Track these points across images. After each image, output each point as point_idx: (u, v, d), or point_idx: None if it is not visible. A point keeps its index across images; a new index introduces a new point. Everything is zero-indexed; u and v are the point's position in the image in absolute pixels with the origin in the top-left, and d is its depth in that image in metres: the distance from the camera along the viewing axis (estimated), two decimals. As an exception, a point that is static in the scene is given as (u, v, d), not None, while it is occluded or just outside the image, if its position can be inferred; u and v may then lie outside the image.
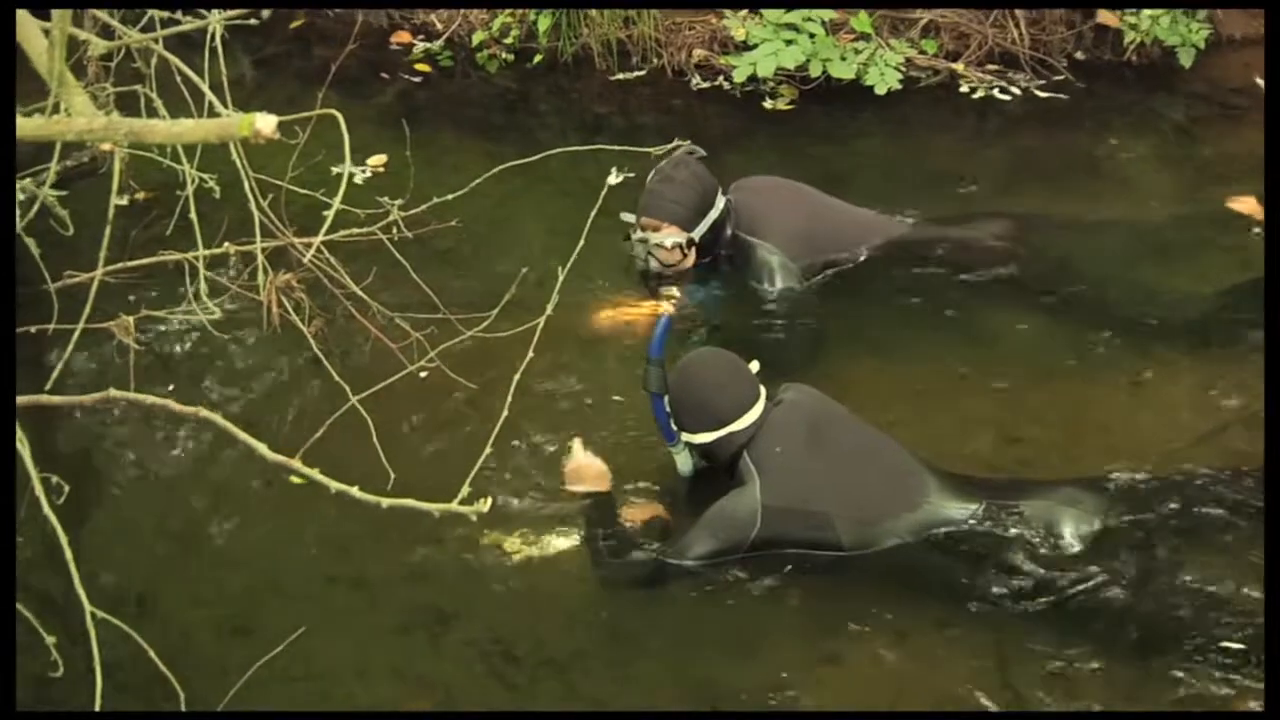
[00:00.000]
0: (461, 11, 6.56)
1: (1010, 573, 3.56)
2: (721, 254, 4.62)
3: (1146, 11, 5.80)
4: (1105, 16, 5.97)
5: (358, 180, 5.41)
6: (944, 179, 5.38)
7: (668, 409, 3.72)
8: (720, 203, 4.54)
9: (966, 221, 4.84)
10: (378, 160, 5.56)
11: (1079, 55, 6.08)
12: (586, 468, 3.88)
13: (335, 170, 5.43)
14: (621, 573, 3.65)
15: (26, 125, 2.17)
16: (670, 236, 4.49)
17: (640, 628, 3.60)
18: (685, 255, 4.53)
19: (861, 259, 4.68)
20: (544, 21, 6.24)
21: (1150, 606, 3.46)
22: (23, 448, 2.43)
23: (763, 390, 3.71)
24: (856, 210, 4.78)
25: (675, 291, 4.60)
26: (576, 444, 3.92)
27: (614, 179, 5.27)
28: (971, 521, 3.63)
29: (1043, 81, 5.96)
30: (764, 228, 4.57)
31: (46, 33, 2.47)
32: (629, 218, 4.55)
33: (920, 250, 4.70)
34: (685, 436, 3.73)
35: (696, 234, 4.49)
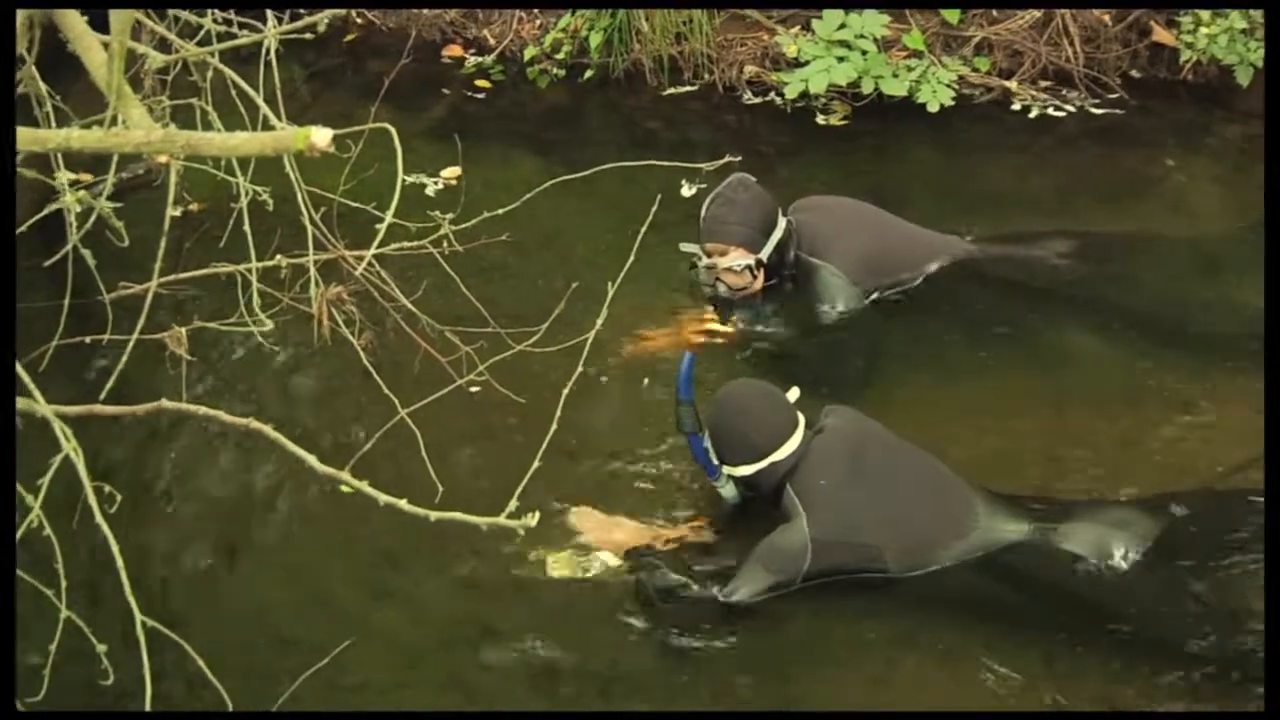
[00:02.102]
0: (514, 26, 6.59)
1: (1059, 596, 3.53)
2: (785, 275, 4.56)
3: (1203, 30, 5.74)
4: (1161, 35, 5.92)
5: (429, 192, 5.42)
6: (996, 197, 5.35)
7: (705, 444, 3.70)
8: (782, 223, 4.49)
9: (1029, 240, 4.78)
10: (451, 172, 5.57)
11: (1134, 73, 6.03)
12: (614, 527, 3.83)
13: (409, 180, 5.47)
14: (677, 610, 3.63)
15: (86, 137, 2.19)
16: (738, 259, 4.43)
17: (684, 646, 3.58)
18: (754, 277, 4.48)
19: (923, 279, 4.63)
20: (595, 37, 6.25)
21: (1201, 631, 3.42)
22: (76, 457, 2.44)
23: (801, 418, 3.69)
24: (919, 230, 4.72)
25: (716, 319, 4.57)
26: (577, 514, 3.87)
27: (687, 191, 5.27)
28: (1021, 544, 3.60)
29: (1097, 100, 5.91)
30: (827, 249, 4.51)
31: (105, 46, 2.49)
32: (690, 248, 4.51)
33: (982, 269, 4.64)
34: (726, 469, 3.71)
35: (764, 254, 4.44)
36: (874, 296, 4.57)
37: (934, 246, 4.67)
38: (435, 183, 5.51)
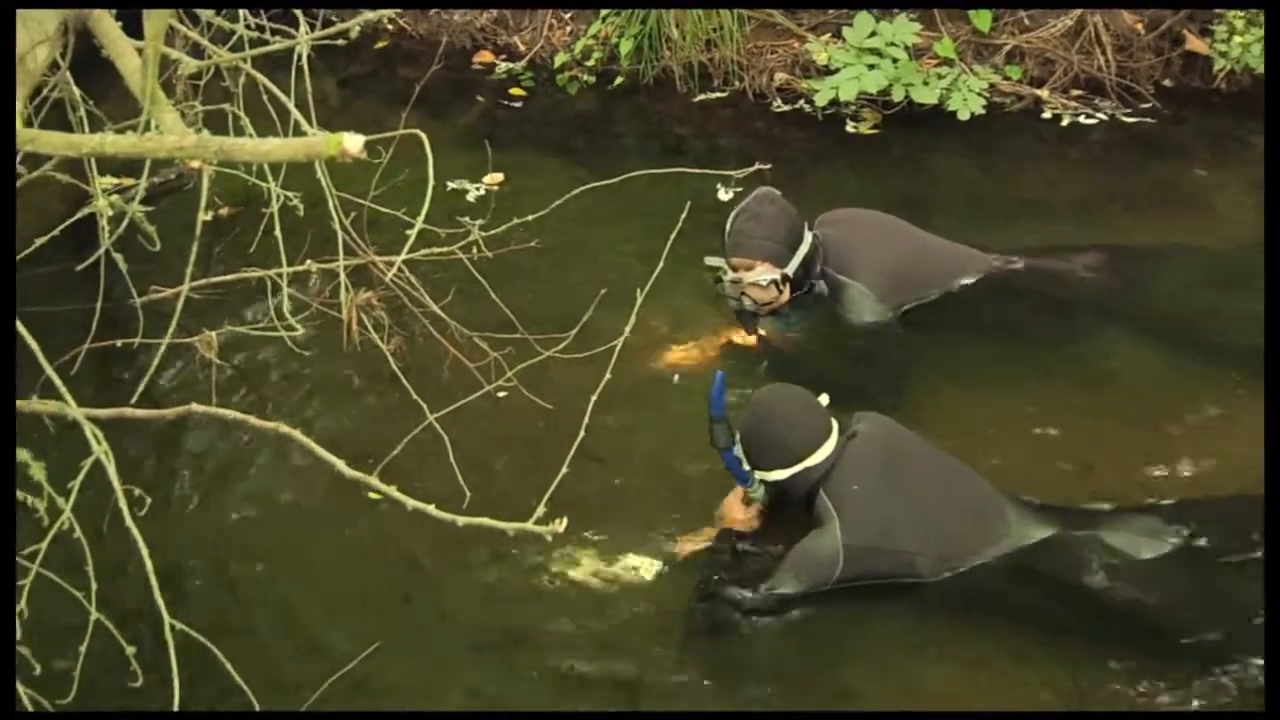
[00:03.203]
0: (544, 33, 6.61)
1: (1089, 603, 3.52)
2: (813, 288, 4.52)
3: (1237, 39, 5.71)
4: (1194, 44, 5.89)
5: (470, 198, 5.42)
6: (1027, 206, 5.33)
7: (738, 455, 3.68)
8: (809, 237, 4.44)
9: (1056, 254, 4.73)
10: (493, 178, 5.56)
11: (1167, 83, 6.00)
12: (740, 509, 3.81)
13: (451, 186, 5.49)
14: (706, 615, 3.62)
15: (120, 142, 2.20)
16: (765, 274, 4.38)
17: (712, 653, 3.58)
18: (780, 292, 4.45)
19: (950, 294, 4.58)
20: (626, 44, 6.26)
21: (1229, 639, 3.40)
22: (107, 460, 2.45)
23: (835, 424, 3.68)
24: (946, 244, 4.68)
25: (743, 334, 4.55)
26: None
27: (724, 195, 5.26)
28: (1051, 551, 3.58)
29: (1129, 109, 5.88)
30: (854, 266, 4.47)
31: (139, 51, 2.50)
32: (715, 261, 4.48)
33: (1009, 283, 4.61)
34: (759, 475, 3.69)
35: (790, 269, 4.40)
36: (902, 311, 4.53)
37: (960, 260, 4.64)
38: (477, 188, 5.50)
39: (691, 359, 4.51)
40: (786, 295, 4.47)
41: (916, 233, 4.68)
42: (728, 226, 4.44)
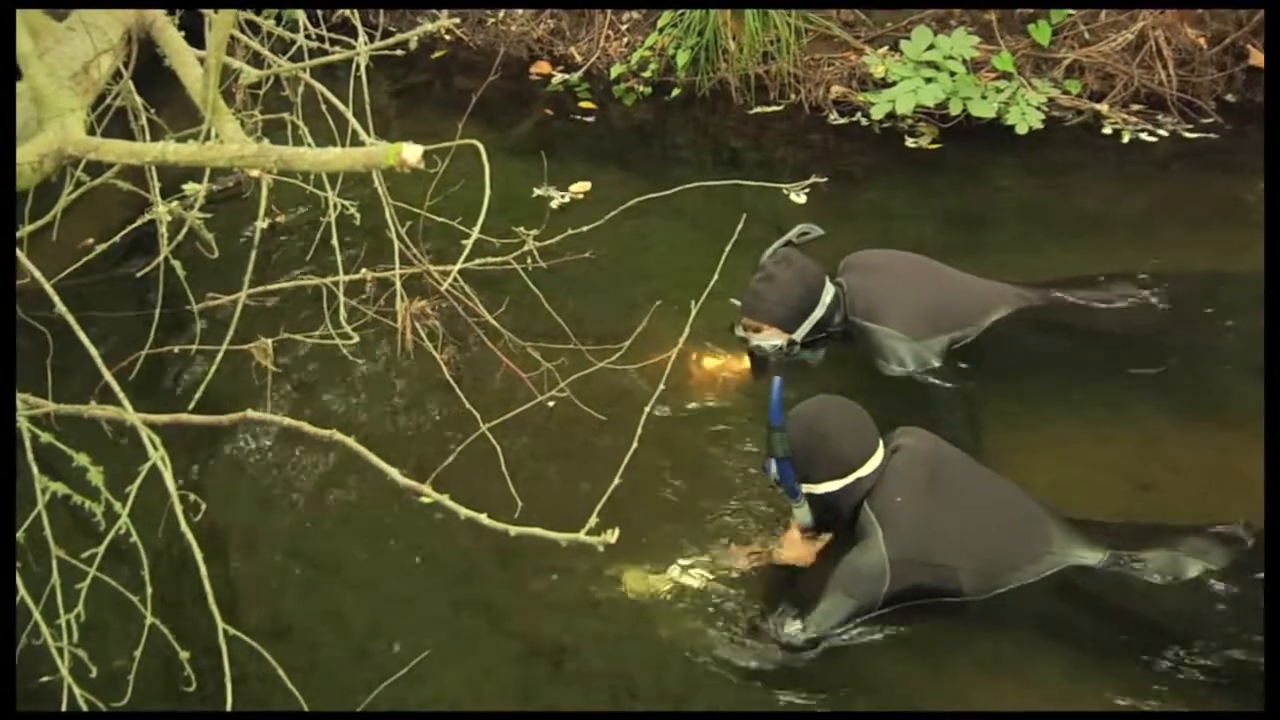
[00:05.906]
0: (600, 44, 6.63)
1: (1137, 623, 3.48)
2: (832, 336, 4.40)
3: (1301, 54, 5.65)
4: (1258, 58, 5.82)
5: (554, 205, 5.43)
6: (1086, 222, 5.27)
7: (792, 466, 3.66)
8: (827, 297, 4.33)
9: (1093, 284, 4.56)
10: (580, 187, 5.57)
11: (1229, 98, 5.93)
12: (800, 546, 3.75)
13: (536, 193, 5.49)
14: (750, 634, 3.60)
15: (182, 151, 2.23)
16: (771, 339, 4.35)
17: (761, 669, 3.56)
18: (787, 355, 4.37)
19: (987, 329, 4.39)
20: (682, 56, 6.27)
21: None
22: (164, 466, 2.48)
23: (879, 436, 3.65)
24: (978, 280, 4.49)
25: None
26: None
27: (798, 198, 5.23)
28: (1098, 569, 3.55)
29: (1190, 124, 5.82)
30: (881, 311, 4.31)
31: (201, 61, 2.53)
32: (738, 303, 4.44)
33: (1048, 315, 4.43)
34: (808, 488, 3.65)
35: (799, 335, 4.34)
36: (941, 351, 4.33)
37: (993, 296, 4.44)
38: (563, 196, 5.51)
39: (737, 369, 4.49)
40: (798, 350, 4.40)
41: (947, 271, 4.50)
42: (751, 281, 4.37)
